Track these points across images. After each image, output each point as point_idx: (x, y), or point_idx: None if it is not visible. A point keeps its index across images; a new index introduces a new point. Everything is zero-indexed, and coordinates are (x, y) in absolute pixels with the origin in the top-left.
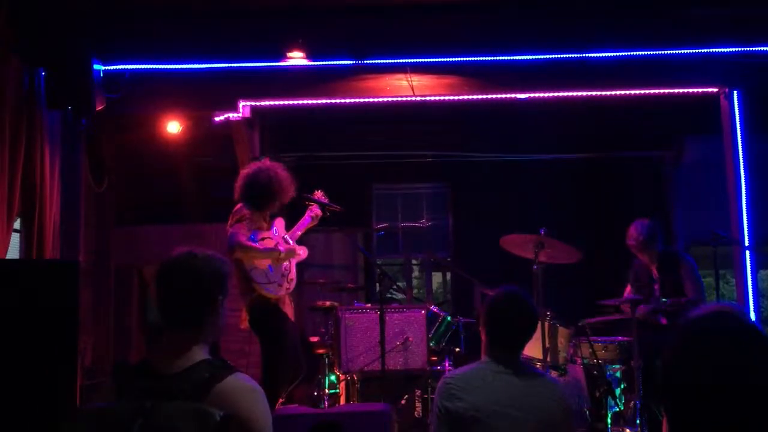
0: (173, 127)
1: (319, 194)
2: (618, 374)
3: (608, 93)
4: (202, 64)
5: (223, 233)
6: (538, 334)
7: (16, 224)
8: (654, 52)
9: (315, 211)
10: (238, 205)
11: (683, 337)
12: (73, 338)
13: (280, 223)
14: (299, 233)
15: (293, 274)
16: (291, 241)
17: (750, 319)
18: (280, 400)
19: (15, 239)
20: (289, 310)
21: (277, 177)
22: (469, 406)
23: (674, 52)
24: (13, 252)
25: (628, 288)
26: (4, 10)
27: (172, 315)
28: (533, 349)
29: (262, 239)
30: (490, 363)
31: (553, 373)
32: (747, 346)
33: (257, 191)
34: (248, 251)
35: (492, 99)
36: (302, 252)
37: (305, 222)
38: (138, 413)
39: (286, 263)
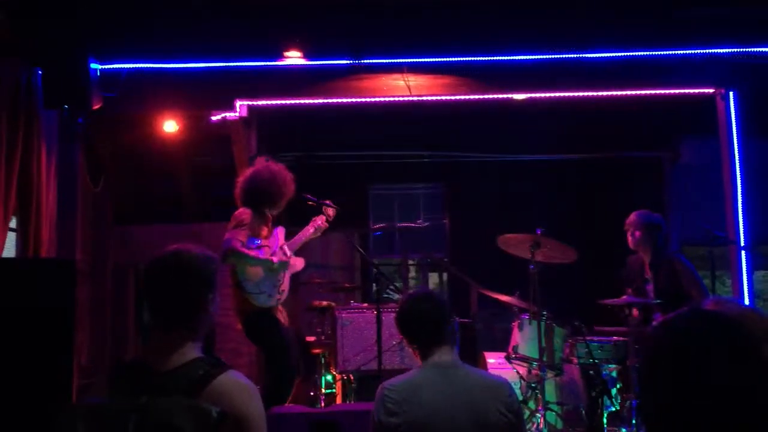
0: (170, 126)
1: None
2: (614, 374)
3: (605, 93)
4: (199, 63)
5: (221, 232)
6: (534, 334)
7: (12, 223)
8: (651, 53)
9: (318, 222)
10: (240, 209)
11: (664, 341)
12: (70, 337)
13: (280, 232)
14: (299, 243)
15: (285, 285)
16: (288, 252)
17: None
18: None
19: (11, 238)
20: (282, 317)
21: (281, 175)
22: (402, 422)
23: (671, 52)
24: (9, 251)
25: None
26: (0, 9)
27: (162, 314)
28: (529, 349)
29: (259, 247)
30: (425, 369)
31: (550, 373)
32: (726, 352)
33: (259, 190)
34: (241, 258)
35: (489, 99)
36: (298, 264)
37: (307, 232)
38: (133, 409)
39: (280, 274)
